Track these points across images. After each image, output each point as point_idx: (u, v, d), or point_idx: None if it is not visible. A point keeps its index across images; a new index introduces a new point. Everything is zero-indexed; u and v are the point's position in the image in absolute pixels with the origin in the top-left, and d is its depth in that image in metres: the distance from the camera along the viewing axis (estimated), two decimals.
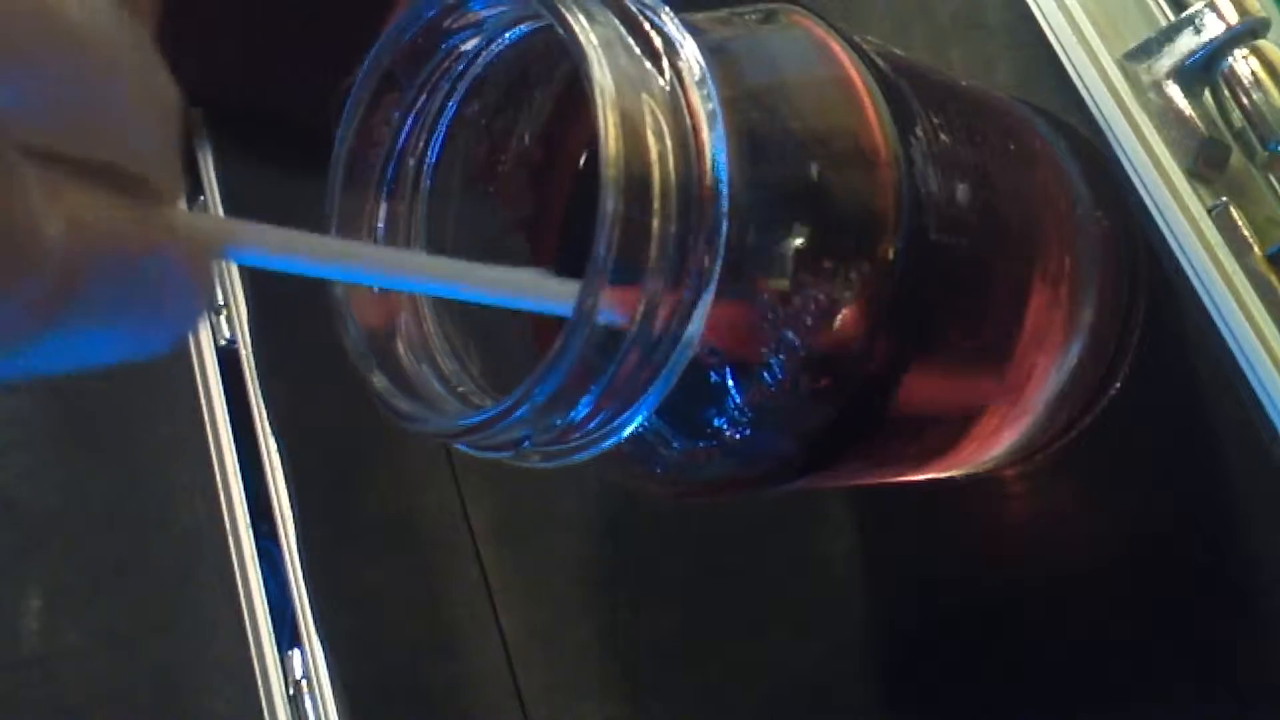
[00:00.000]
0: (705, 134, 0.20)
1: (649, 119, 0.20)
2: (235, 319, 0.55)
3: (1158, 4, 0.31)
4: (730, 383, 0.23)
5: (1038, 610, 0.37)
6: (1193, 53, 0.30)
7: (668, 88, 0.20)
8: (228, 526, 0.51)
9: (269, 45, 0.51)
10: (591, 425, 0.22)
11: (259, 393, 0.53)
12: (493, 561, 0.52)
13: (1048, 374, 0.30)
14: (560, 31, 0.20)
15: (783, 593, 0.43)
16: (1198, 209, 0.30)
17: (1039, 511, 0.37)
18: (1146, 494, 0.35)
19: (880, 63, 0.24)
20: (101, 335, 0.15)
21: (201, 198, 0.59)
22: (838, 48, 0.24)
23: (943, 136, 0.25)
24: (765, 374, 0.23)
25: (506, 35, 0.24)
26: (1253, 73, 0.30)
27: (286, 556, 0.50)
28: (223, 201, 0.58)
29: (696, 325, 0.21)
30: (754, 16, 0.25)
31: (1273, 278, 0.29)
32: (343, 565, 0.52)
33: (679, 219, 0.20)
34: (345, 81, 0.25)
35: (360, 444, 0.53)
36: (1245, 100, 0.30)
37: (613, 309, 0.19)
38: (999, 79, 0.37)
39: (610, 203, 0.19)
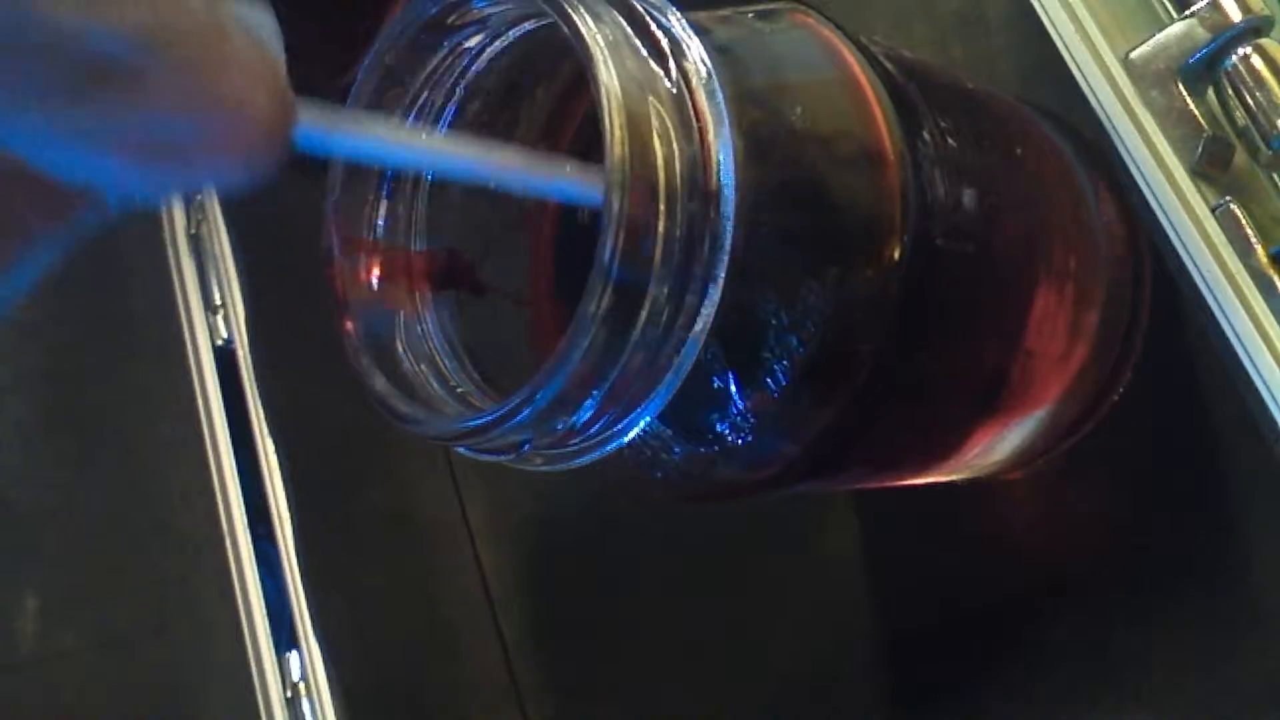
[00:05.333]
0: (711, 136, 0.20)
1: (655, 121, 0.20)
2: (233, 319, 0.54)
3: (1161, 2, 0.31)
4: (733, 387, 0.23)
5: (1039, 612, 0.36)
6: (1196, 51, 0.30)
7: (674, 89, 0.20)
8: (225, 528, 0.51)
9: None
10: (594, 429, 0.22)
11: (256, 393, 0.53)
12: (491, 562, 0.51)
13: (1051, 376, 0.30)
14: (565, 31, 0.20)
15: (784, 594, 0.42)
16: (1201, 208, 0.29)
17: (1041, 515, 0.36)
18: (1149, 496, 0.34)
19: (887, 64, 0.24)
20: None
21: (198, 197, 0.59)
22: (844, 49, 0.24)
23: (950, 140, 0.24)
24: (769, 378, 0.22)
25: (510, 33, 0.24)
26: (1256, 71, 0.30)
27: (284, 558, 0.50)
28: (220, 200, 0.57)
29: (701, 329, 0.21)
30: (758, 16, 0.24)
31: (1276, 277, 0.29)
32: (340, 567, 0.51)
33: (684, 221, 0.20)
34: (346, 79, 0.25)
35: (358, 445, 0.52)
36: (1249, 98, 0.30)
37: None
38: (1000, 76, 0.36)
39: (615, 204, 0.19)
